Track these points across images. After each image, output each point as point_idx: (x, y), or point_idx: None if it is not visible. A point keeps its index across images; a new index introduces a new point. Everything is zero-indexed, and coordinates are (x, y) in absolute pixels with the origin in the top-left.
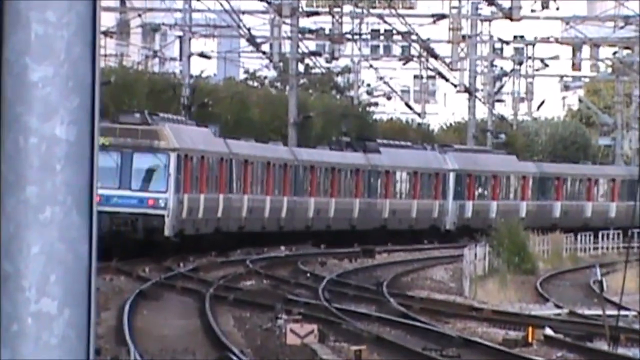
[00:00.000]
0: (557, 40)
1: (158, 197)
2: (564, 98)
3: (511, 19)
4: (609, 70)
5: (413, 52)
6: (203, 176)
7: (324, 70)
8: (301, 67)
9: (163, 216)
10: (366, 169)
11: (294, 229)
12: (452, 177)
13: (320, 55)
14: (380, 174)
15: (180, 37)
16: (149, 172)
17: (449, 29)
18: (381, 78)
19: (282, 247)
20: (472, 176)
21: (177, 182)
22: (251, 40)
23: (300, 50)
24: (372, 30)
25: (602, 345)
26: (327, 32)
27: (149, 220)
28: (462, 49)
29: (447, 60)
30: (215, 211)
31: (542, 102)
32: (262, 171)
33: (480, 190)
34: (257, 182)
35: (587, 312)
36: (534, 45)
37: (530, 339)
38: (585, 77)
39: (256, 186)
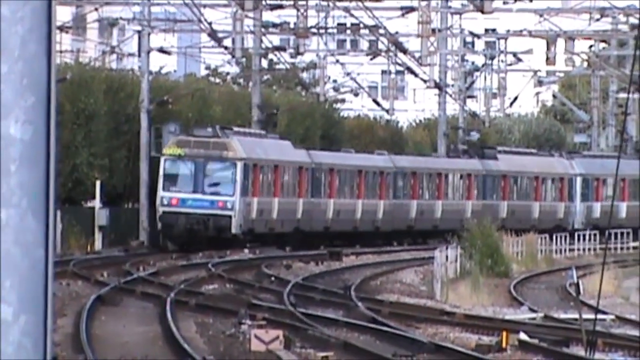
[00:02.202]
0: (530, 34)
1: (226, 200)
2: (537, 94)
3: (482, 12)
4: (585, 64)
5: (381, 46)
6: (277, 182)
7: (288, 66)
8: (265, 63)
9: (230, 216)
10: (480, 173)
11: (393, 229)
12: (578, 180)
13: (284, 50)
14: (497, 179)
15: (138, 32)
16: (219, 179)
17: (418, 22)
18: (348, 74)
19: (246, 250)
20: (599, 180)
21: (244, 187)
22: (212, 35)
23: (263, 45)
24: (339, 24)
25: (579, 351)
26: (291, 26)
27: (218, 220)
28: (432, 43)
29: (417, 55)
30: (293, 213)
31: (515, 98)
32: (350, 178)
33: (608, 192)
34: (345, 188)
35: (563, 316)
36: (506, 39)
37: (504, 344)
38: (559, 71)
39: (344, 191)
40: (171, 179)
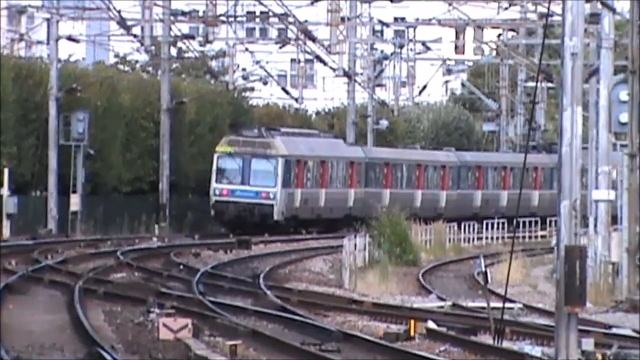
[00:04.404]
0: (439, 23)
1: (269, 191)
2: (446, 82)
3: (392, 0)
4: (493, 53)
5: (290, 35)
6: (324, 176)
7: (197, 54)
8: (174, 51)
9: (272, 205)
10: (547, 166)
11: (458, 215)
12: None
13: (193, 38)
14: None
15: (47, 19)
16: (263, 173)
17: (327, 10)
18: (257, 62)
19: (155, 239)
20: None
21: (285, 180)
22: (121, 22)
23: (172, 33)
24: (248, 12)
25: (487, 339)
26: (200, 14)
27: (262, 208)
28: (341, 32)
29: (326, 44)
30: (343, 201)
31: (424, 87)
32: (407, 171)
33: None
34: (401, 180)
35: (471, 304)
36: (415, 28)
37: (412, 333)
38: (468, 60)
39: (399, 182)
40: (223, 173)
